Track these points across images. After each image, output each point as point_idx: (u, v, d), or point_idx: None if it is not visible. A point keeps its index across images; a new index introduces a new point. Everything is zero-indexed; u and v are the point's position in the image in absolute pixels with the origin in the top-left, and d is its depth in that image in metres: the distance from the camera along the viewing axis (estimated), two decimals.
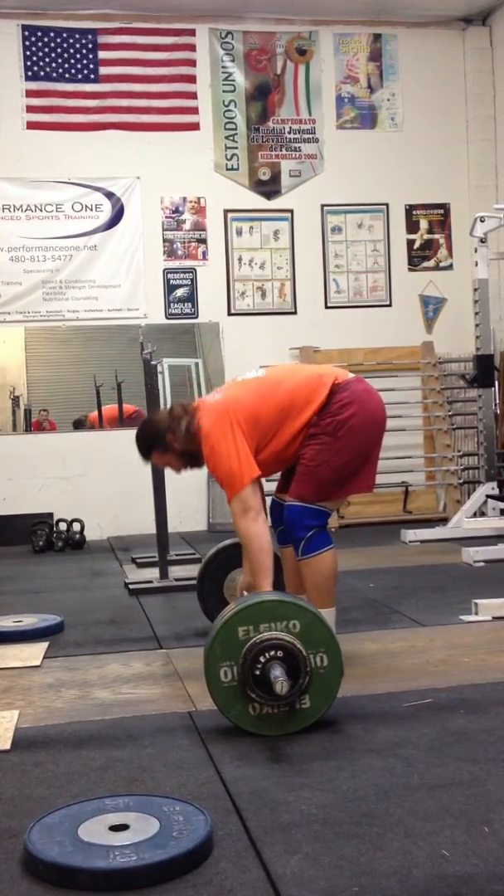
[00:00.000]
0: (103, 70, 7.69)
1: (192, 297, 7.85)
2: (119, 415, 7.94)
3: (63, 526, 7.21)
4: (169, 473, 5.36)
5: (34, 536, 7.06)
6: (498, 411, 6.99)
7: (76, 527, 7.18)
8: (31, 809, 2.23)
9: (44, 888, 1.86)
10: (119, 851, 1.92)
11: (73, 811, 2.13)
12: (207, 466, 3.32)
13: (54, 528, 7.18)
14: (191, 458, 3.37)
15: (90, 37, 7.67)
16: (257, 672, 2.62)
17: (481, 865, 1.86)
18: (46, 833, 2.01)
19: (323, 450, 3.24)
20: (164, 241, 7.84)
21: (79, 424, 7.94)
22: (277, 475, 3.58)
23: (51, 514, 7.39)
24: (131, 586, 5.15)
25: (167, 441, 3.33)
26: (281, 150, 7.99)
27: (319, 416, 3.27)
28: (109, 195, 7.70)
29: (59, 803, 2.22)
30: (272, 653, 2.63)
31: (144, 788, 2.35)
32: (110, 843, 1.96)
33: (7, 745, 2.71)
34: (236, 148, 7.91)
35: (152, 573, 5.43)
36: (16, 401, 7.95)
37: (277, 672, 2.57)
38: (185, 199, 7.86)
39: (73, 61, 7.65)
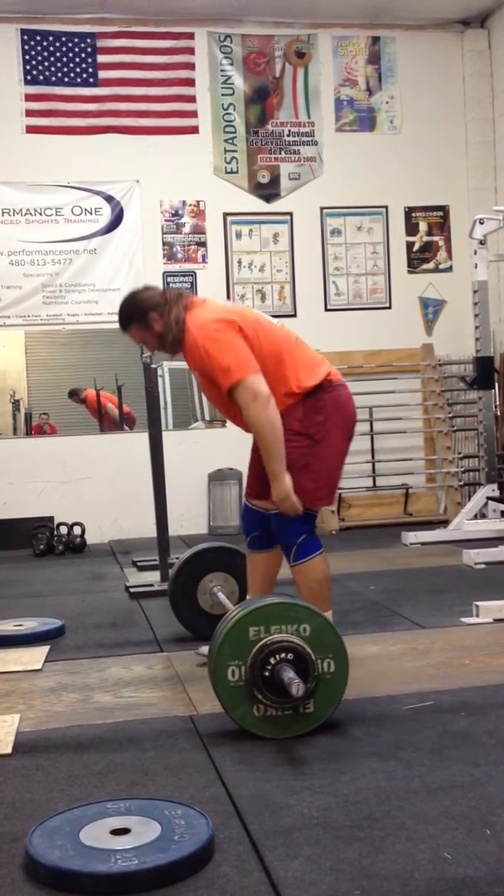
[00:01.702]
0: (102, 74, 7.70)
1: None
2: (120, 415, 7.95)
3: (64, 529, 7.21)
4: (169, 475, 5.41)
5: (35, 540, 7.06)
6: (498, 413, 6.99)
7: (77, 530, 7.18)
8: (33, 813, 2.23)
9: (45, 892, 1.86)
10: (120, 855, 1.92)
11: (75, 815, 2.13)
12: (192, 360, 3.20)
13: (55, 532, 7.18)
14: (163, 345, 3.29)
15: (89, 41, 7.68)
16: (266, 673, 2.62)
17: (483, 868, 1.86)
18: (48, 837, 2.01)
19: (303, 454, 3.18)
20: (164, 244, 7.85)
21: (72, 394, 7.90)
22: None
23: (51, 518, 7.39)
24: (132, 590, 5.15)
25: (149, 319, 3.26)
26: (280, 153, 8.00)
27: (302, 404, 3.21)
28: (109, 199, 7.71)
29: (61, 807, 2.22)
30: (282, 655, 2.63)
31: (146, 792, 2.35)
32: (112, 846, 1.96)
33: (8, 749, 2.71)
34: (235, 151, 7.92)
35: (153, 576, 5.43)
36: (16, 404, 7.95)
37: (292, 674, 2.57)
38: (184, 202, 7.87)
39: (72, 65, 7.66)
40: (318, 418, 3.19)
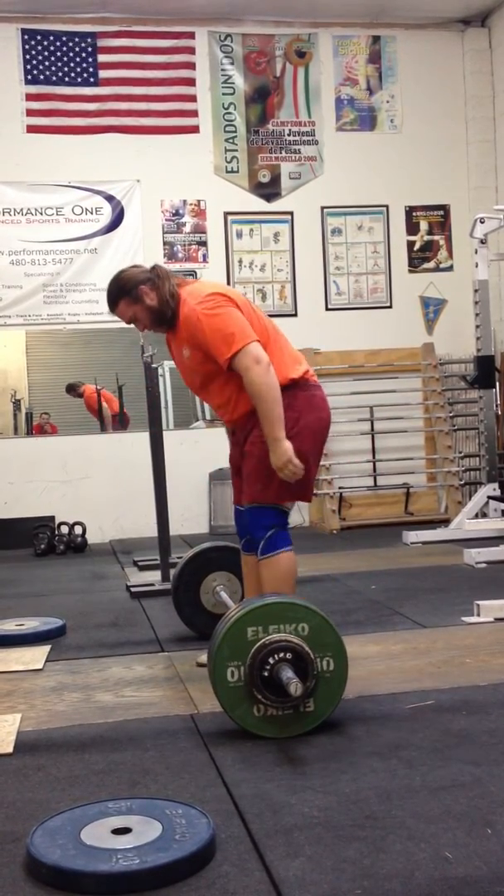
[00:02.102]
0: (103, 73, 7.70)
1: None
2: (120, 415, 7.95)
3: (65, 529, 7.21)
4: (170, 474, 5.41)
5: (36, 540, 7.07)
6: (499, 412, 6.99)
7: (78, 530, 7.19)
8: (34, 813, 2.23)
9: (46, 892, 1.86)
10: (122, 855, 1.92)
11: (76, 814, 2.13)
12: (188, 333, 3.17)
13: (56, 532, 7.19)
14: (158, 319, 3.27)
15: (90, 40, 7.68)
16: (265, 673, 2.62)
17: (484, 867, 1.86)
18: (49, 836, 2.01)
19: None
20: (165, 243, 7.85)
21: (70, 388, 7.91)
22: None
23: (52, 518, 7.39)
24: (133, 589, 5.15)
25: (140, 292, 3.24)
26: (280, 153, 8.00)
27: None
28: (109, 198, 7.71)
29: (62, 807, 2.22)
30: (281, 654, 2.63)
31: (147, 791, 2.35)
32: (113, 846, 1.96)
33: (9, 749, 2.71)
34: (236, 150, 7.92)
35: (154, 576, 5.43)
36: (17, 404, 7.96)
37: (290, 674, 2.57)
38: (185, 201, 7.87)
39: (72, 65, 7.66)
40: (289, 414, 3.14)
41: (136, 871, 1.86)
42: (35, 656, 3.79)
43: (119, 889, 1.84)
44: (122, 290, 3.29)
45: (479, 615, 4.06)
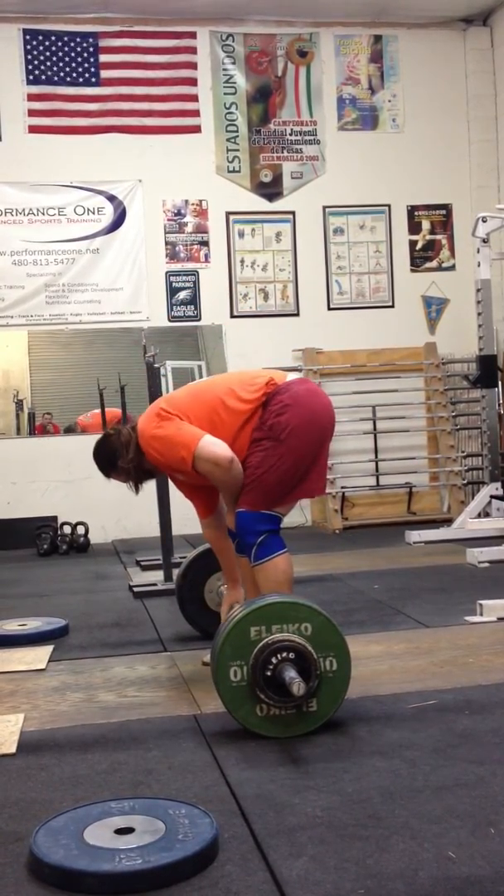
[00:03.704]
0: (104, 73, 7.70)
1: (194, 300, 7.86)
2: (123, 417, 7.94)
3: (67, 529, 7.22)
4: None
5: (38, 540, 7.07)
6: (501, 411, 6.98)
7: (80, 530, 7.19)
8: (37, 813, 2.23)
9: (49, 891, 1.86)
10: (125, 854, 1.92)
11: (79, 814, 2.13)
12: (162, 465, 3.32)
13: (58, 532, 7.19)
14: (145, 473, 3.43)
15: (91, 40, 7.68)
16: (268, 673, 2.62)
17: (487, 867, 1.86)
18: (52, 836, 2.01)
19: (267, 455, 3.18)
20: (167, 243, 7.85)
21: (69, 431, 7.96)
22: None
23: (55, 518, 7.40)
24: (136, 589, 5.15)
25: (119, 466, 3.39)
26: (282, 152, 8.00)
27: (260, 419, 3.23)
28: (111, 198, 7.71)
29: (65, 806, 2.22)
30: (284, 654, 2.63)
31: (150, 791, 2.35)
32: (116, 846, 1.96)
33: (12, 749, 2.71)
34: (238, 150, 7.92)
35: (157, 576, 5.43)
36: (19, 404, 7.96)
37: (293, 673, 2.56)
38: (186, 201, 7.87)
39: (74, 65, 7.66)
40: (280, 419, 3.19)
41: (140, 870, 1.86)
42: (38, 656, 3.79)
43: (122, 889, 1.84)
44: (107, 469, 3.45)
45: (481, 615, 4.06)
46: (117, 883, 1.85)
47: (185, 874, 1.88)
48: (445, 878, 1.82)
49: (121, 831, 2.03)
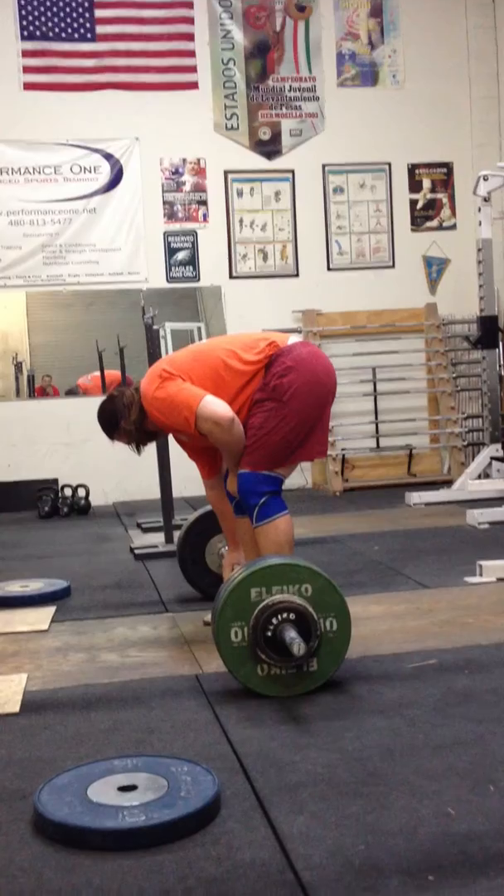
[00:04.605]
0: (100, 29, 7.57)
1: (193, 261, 7.80)
2: (122, 379, 7.91)
3: (68, 492, 7.23)
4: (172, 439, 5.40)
5: (39, 502, 7.09)
6: (502, 373, 6.96)
7: (81, 492, 7.21)
8: (41, 771, 2.26)
9: (54, 848, 1.88)
10: (128, 811, 1.94)
11: (82, 772, 2.15)
12: (165, 426, 3.33)
13: (59, 494, 7.20)
14: (148, 434, 3.43)
15: None
16: (269, 633, 2.64)
17: (486, 823, 1.89)
18: (56, 794, 2.04)
19: (270, 416, 3.19)
20: (164, 203, 7.77)
21: (70, 393, 7.94)
22: None
23: (55, 480, 7.40)
24: (137, 551, 5.17)
25: (121, 426, 3.38)
26: (281, 109, 7.89)
27: (263, 381, 3.24)
28: (108, 157, 7.62)
29: (68, 765, 2.25)
30: (284, 615, 2.65)
31: (152, 749, 2.37)
32: (119, 803, 1.99)
33: (16, 708, 2.73)
34: (236, 107, 7.82)
35: (157, 538, 5.45)
36: (19, 367, 7.92)
37: (293, 634, 2.58)
38: (184, 160, 7.78)
39: (69, 20, 7.53)
40: (283, 381, 3.20)
41: (142, 827, 1.88)
42: (40, 617, 3.81)
43: (125, 845, 1.86)
44: (111, 430, 3.43)
45: (481, 575, 4.08)
46: (121, 839, 1.87)
47: (188, 831, 1.90)
48: (445, 835, 1.85)
49: (124, 789, 2.06)
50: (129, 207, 7.68)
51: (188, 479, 7.45)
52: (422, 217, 8.18)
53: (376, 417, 7.87)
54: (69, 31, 7.54)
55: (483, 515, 5.43)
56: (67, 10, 7.51)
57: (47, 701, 2.81)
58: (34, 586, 4.29)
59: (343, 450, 7.64)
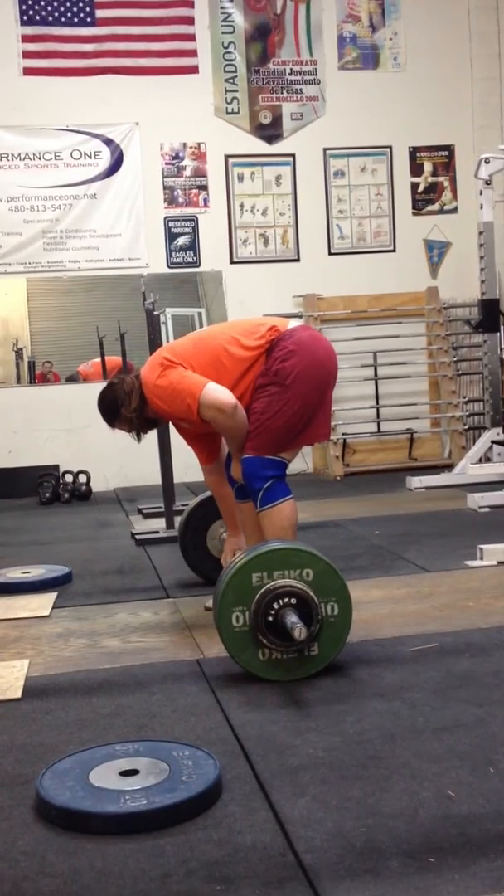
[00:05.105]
0: (100, 13, 7.52)
1: (193, 246, 7.77)
2: (123, 365, 7.91)
3: (69, 478, 7.24)
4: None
5: (41, 488, 7.10)
6: (503, 356, 6.94)
7: (82, 478, 7.21)
8: (43, 756, 2.27)
9: (56, 833, 1.90)
10: (130, 796, 1.95)
11: (84, 757, 2.16)
12: (167, 414, 3.33)
13: (60, 480, 7.21)
14: (149, 422, 3.43)
15: None
16: (270, 618, 2.65)
17: (487, 805, 1.90)
18: (58, 779, 2.05)
19: (273, 401, 3.19)
20: (165, 188, 7.74)
21: (71, 380, 7.94)
22: None
23: (56, 466, 7.41)
24: (138, 537, 5.18)
25: (122, 414, 3.38)
26: (282, 93, 7.84)
27: (265, 366, 3.24)
28: (108, 142, 7.59)
29: (70, 749, 2.26)
30: (285, 600, 2.66)
31: (154, 734, 2.38)
32: (121, 787, 2.00)
33: (18, 694, 2.75)
34: (236, 91, 7.77)
35: (158, 524, 5.46)
36: (19, 353, 7.92)
37: (294, 618, 2.59)
38: (185, 144, 7.74)
39: (69, 4, 7.48)
40: (285, 365, 3.20)
41: (144, 811, 1.89)
42: (42, 603, 3.82)
43: (127, 829, 1.87)
44: (112, 418, 3.43)
45: (482, 559, 4.09)
46: (122, 823, 1.88)
47: (189, 814, 1.91)
48: (445, 817, 1.86)
49: (125, 773, 2.07)
50: (129, 193, 7.65)
51: (189, 464, 7.44)
52: (423, 200, 8.15)
53: (377, 402, 7.86)
54: (69, 15, 7.49)
55: (484, 499, 5.44)
56: None
57: (49, 686, 2.82)
58: (36, 572, 4.30)
59: (344, 434, 7.63)
